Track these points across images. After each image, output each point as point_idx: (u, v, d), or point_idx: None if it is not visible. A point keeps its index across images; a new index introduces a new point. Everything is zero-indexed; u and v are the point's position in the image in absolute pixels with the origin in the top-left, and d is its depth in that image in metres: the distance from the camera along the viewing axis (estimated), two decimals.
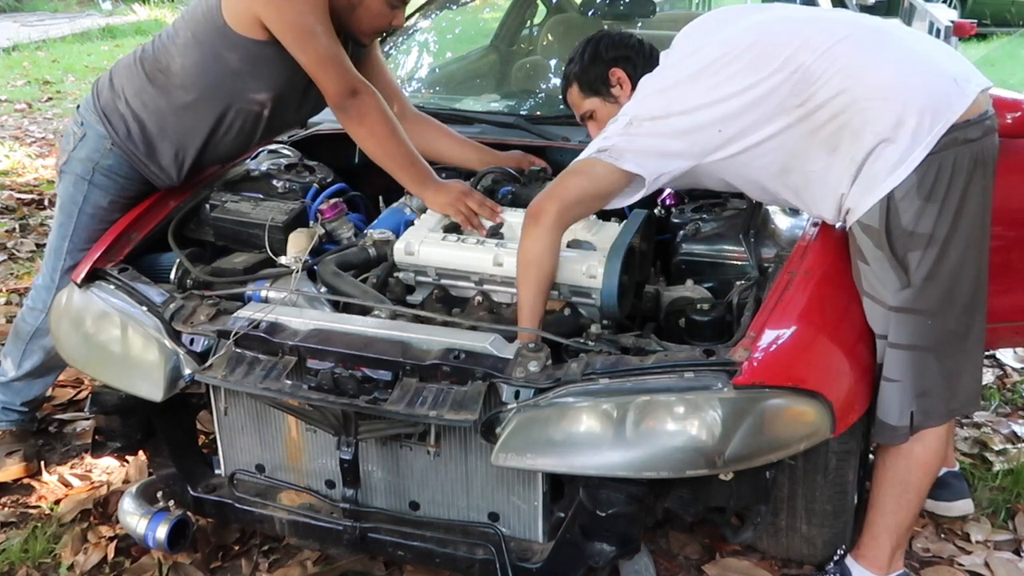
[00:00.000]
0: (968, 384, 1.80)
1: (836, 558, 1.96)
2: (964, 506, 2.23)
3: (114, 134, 2.13)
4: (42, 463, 2.48)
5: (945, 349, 1.74)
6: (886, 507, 1.87)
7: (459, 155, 2.33)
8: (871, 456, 2.25)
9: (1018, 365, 3.02)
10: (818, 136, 1.68)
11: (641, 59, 1.95)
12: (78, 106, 2.25)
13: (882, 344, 1.74)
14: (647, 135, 1.72)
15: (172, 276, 2.03)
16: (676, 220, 2.06)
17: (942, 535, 2.20)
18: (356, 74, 2.06)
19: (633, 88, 1.89)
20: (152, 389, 1.80)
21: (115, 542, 2.18)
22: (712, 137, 1.71)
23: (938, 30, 3.44)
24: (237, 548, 2.18)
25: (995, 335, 2.11)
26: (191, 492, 1.95)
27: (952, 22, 3.47)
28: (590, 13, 3.54)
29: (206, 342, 1.80)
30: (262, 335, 1.71)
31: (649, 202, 2.19)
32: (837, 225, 1.79)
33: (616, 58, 1.96)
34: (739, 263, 1.90)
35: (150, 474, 2.11)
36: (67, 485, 2.43)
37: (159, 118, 2.12)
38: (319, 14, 1.97)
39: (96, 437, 2.00)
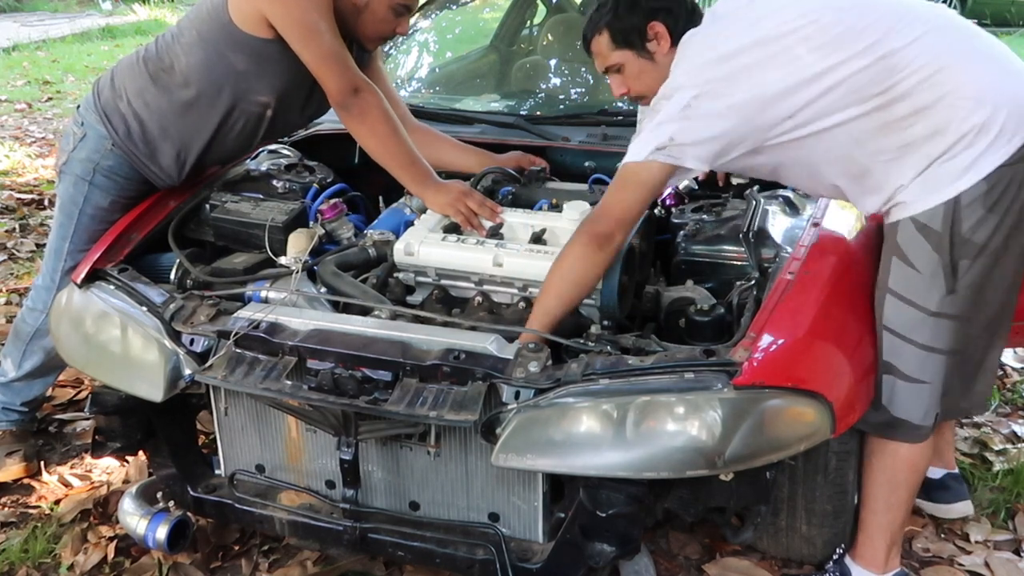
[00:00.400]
0: (983, 386, 1.80)
1: (835, 558, 1.96)
2: (964, 508, 2.22)
3: (115, 134, 2.13)
4: (42, 463, 2.48)
5: (971, 352, 1.74)
6: (877, 507, 1.87)
7: (461, 160, 2.34)
8: None
9: (1018, 365, 3.02)
10: (893, 128, 1.61)
11: (684, 13, 1.80)
12: (78, 106, 2.25)
13: (905, 345, 1.71)
14: (709, 117, 1.61)
15: (172, 276, 2.03)
16: (676, 220, 2.05)
17: (942, 535, 2.20)
18: (358, 72, 2.06)
19: (673, 46, 1.76)
20: (152, 389, 1.80)
21: (115, 542, 2.18)
22: (781, 121, 1.62)
23: None
24: (237, 548, 2.18)
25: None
26: (191, 492, 1.95)
27: None
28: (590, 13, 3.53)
29: (206, 342, 1.80)
30: (262, 335, 1.71)
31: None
32: (871, 212, 1.73)
33: (657, 9, 1.79)
34: (739, 263, 1.89)
35: (150, 474, 2.11)
36: (67, 485, 2.43)
37: (161, 118, 2.11)
38: (323, 12, 1.97)
39: (96, 437, 2.00)
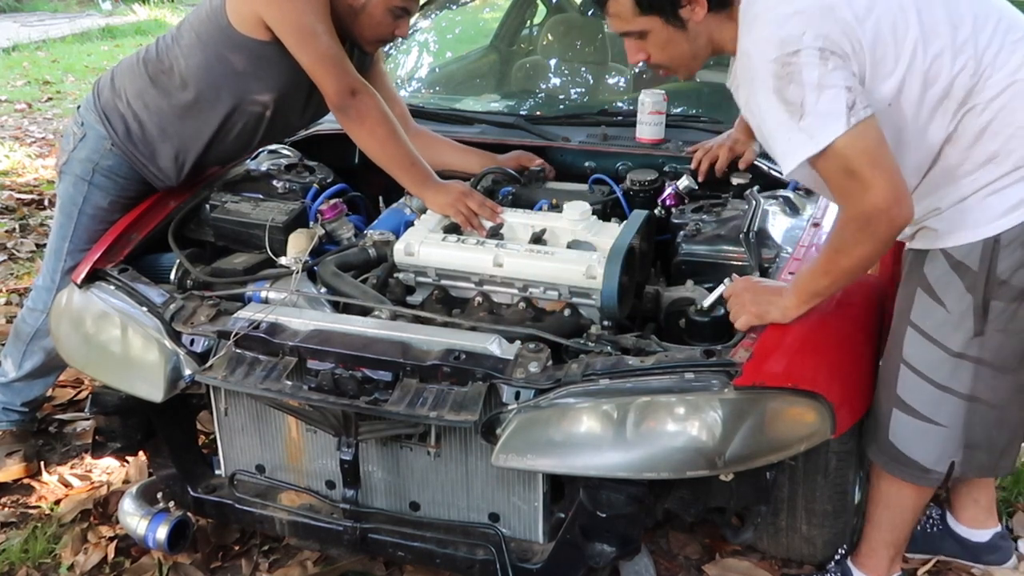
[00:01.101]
0: (1015, 444, 1.71)
1: (837, 558, 1.96)
2: (1012, 564, 2.08)
3: (114, 134, 2.13)
4: (42, 463, 2.48)
5: (1006, 406, 1.64)
6: (882, 526, 1.86)
7: (461, 161, 2.34)
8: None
9: None
10: (955, 139, 1.50)
11: None
12: (78, 106, 2.25)
13: (922, 382, 1.63)
14: (843, 60, 1.43)
15: (172, 276, 2.03)
16: (676, 220, 2.05)
17: None
18: (356, 75, 2.06)
19: (711, 11, 1.56)
20: (152, 390, 1.80)
21: (115, 542, 2.18)
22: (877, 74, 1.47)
23: None
24: (237, 548, 2.18)
25: None
26: (191, 492, 1.95)
27: None
28: (590, 13, 3.54)
29: (206, 343, 1.80)
30: (262, 336, 1.71)
31: (649, 202, 2.19)
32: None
33: None
34: (739, 264, 1.89)
35: (150, 474, 2.11)
36: (67, 485, 2.43)
37: (160, 119, 2.12)
38: (320, 15, 1.97)
39: (96, 437, 2.00)
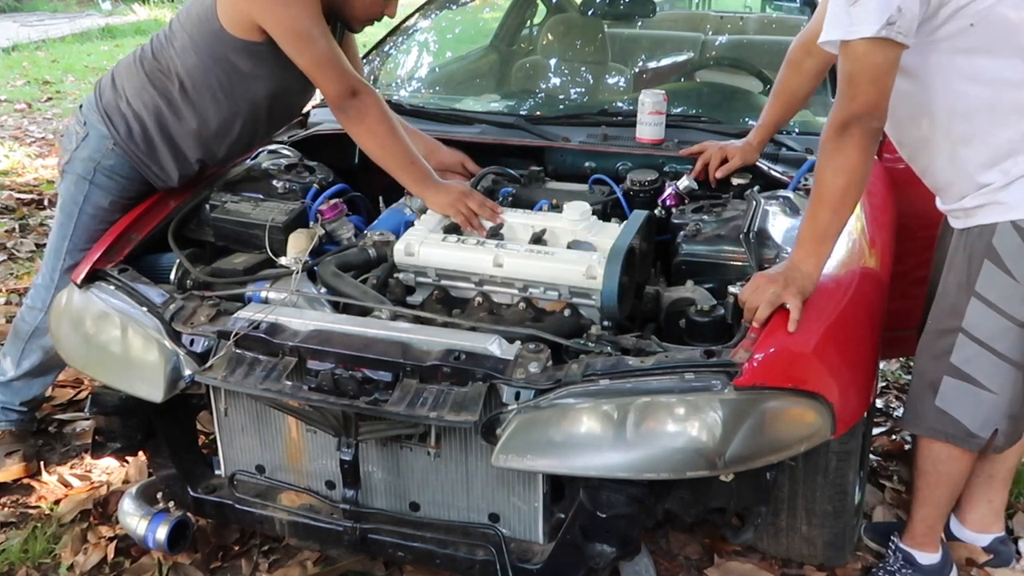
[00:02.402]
0: None
1: (892, 548, 2.02)
2: (1011, 569, 2.12)
3: (116, 134, 2.13)
4: (42, 463, 2.48)
5: None
6: (937, 501, 1.93)
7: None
8: (871, 457, 2.25)
9: None
10: None
11: None
12: (80, 105, 2.25)
13: (982, 351, 1.71)
14: None
15: (172, 277, 2.03)
16: (676, 220, 2.05)
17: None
18: (355, 75, 2.06)
19: None
20: (152, 390, 1.80)
21: (115, 542, 2.18)
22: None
23: None
24: (237, 548, 2.18)
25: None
26: (191, 493, 1.95)
27: None
28: (590, 13, 3.54)
29: (206, 343, 1.80)
30: (262, 336, 1.71)
31: (649, 202, 2.19)
32: (948, 207, 1.67)
33: None
34: (739, 264, 1.89)
35: (150, 475, 2.11)
36: (67, 485, 2.43)
37: (160, 119, 2.12)
38: (315, 17, 1.97)
39: (96, 437, 2.00)
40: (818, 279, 1.66)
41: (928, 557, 1.98)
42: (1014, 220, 1.63)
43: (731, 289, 1.75)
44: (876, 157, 1.92)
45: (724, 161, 2.20)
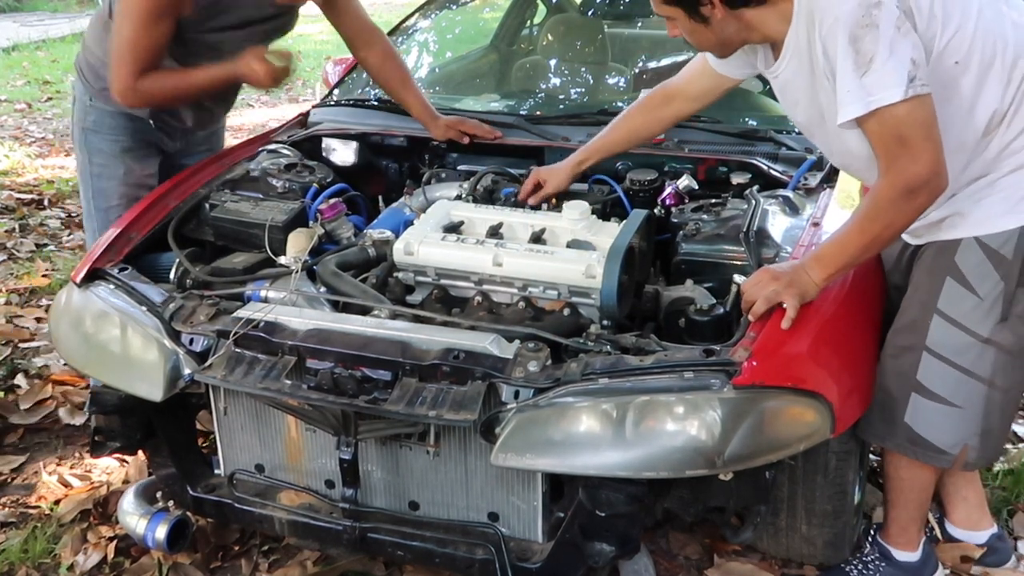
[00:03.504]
0: (1007, 433, 1.80)
1: (870, 540, 2.01)
2: (1011, 564, 2.12)
3: (89, 84, 2.29)
4: (42, 463, 2.48)
5: (1011, 391, 1.71)
6: (907, 506, 1.92)
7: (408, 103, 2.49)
8: (871, 457, 2.25)
9: None
10: (1007, 117, 1.56)
11: None
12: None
13: (946, 368, 1.69)
14: (910, 29, 1.49)
15: (172, 276, 2.03)
16: (676, 220, 2.05)
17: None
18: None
19: (729, 8, 1.60)
20: (152, 389, 1.80)
21: (115, 542, 2.18)
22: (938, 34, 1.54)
23: None
24: (237, 548, 2.18)
25: None
26: (191, 492, 1.95)
27: None
28: (590, 13, 3.54)
29: (206, 342, 1.80)
30: (262, 335, 1.71)
31: (649, 201, 2.19)
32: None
33: None
34: (739, 263, 1.89)
35: (150, 474, 2.11)
36: (67, 485, 2.43)
37: None
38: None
39: (96, 437, 2.00)
40: (821, 290, 1.65)
41: (904, 555, 1.96)
42: (980, 236, 1.62)
43: (736, 278, 1.75)
44: None
45: (538, 187, 2.19)
